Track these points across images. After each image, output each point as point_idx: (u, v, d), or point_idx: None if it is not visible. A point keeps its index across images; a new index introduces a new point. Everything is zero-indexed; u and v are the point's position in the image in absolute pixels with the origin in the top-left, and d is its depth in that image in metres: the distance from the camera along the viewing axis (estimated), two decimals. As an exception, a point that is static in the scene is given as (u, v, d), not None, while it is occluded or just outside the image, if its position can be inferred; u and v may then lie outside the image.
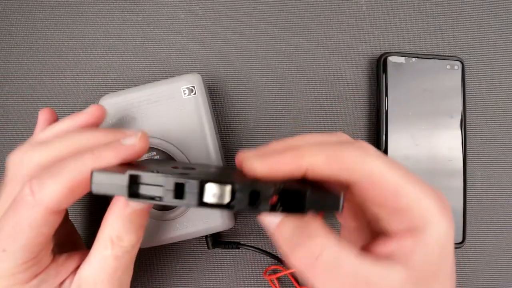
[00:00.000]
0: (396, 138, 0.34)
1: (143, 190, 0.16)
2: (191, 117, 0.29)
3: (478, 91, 0.37)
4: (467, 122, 0.36)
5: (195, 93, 0.30)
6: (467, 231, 0.35)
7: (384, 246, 0.19)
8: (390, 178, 0.18)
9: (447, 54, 0.36)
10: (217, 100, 0.35)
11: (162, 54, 0.36)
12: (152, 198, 0.16)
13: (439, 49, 0.37)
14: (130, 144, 0.21)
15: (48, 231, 0.20)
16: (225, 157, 0.33)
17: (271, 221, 0.19)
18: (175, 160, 0.26)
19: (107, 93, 0.32)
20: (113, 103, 0.30)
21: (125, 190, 0.16)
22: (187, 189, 0.15)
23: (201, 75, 0.31)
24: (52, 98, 0.36)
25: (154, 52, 0.36)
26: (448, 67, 0.35)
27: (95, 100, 0.35)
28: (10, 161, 0.24)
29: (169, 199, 0.16)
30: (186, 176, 0.16)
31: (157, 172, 0.16)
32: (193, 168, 0.21)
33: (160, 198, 0.16)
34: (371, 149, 0.19)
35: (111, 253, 0.21)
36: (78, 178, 0.19)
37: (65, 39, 0.36)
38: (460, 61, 0.35)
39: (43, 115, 0.29)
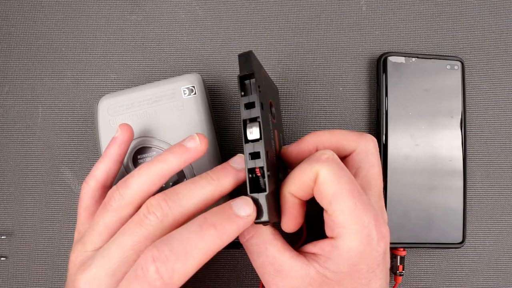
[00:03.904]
0: (396, 138, 0.34)
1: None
2: (191, 117, 0.29)
3: (478, 91, 0.37)
4: (467, 122, 0.36)
5: (195, 93, 0.30)
6: (467, 231, 0.35)
7: (311, 248, 0.23)
8: (330, 186, 0.21)
9: (447, 54, 0.36)
10: (217, 100, 0.35)
11: (162, 54, 0.36)
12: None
13: (439, 49, 0.37)
14: (246, 216, 0.21)
15: None
16: (224, 156, 0.33)
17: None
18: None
19: (107, 93, 0.32)
20: (113, 103, 0.30)
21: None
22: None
23: (201, 75, 0.31)
24: (52, 98, 0.36)
25: (154, 52, 0.36)
26: (448, 67, 0.35)
27: (95, 100, 0.36)
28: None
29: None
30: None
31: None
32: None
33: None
34: (330, 159, 0.22)
35: None
36: (208, 257, 0.20)
37: (65, 39, 0.36)
38: (460, 61, 0.35)
39: (124, 135, 0.27)
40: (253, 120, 0.22)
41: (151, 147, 0.29)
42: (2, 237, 0.35)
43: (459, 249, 0.35)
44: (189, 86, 0.30)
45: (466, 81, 0.36)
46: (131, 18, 0.37)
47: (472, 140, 0.36)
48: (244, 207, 0.21)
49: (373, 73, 0.36)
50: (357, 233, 0.21)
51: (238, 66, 0.36)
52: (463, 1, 0.38)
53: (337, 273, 0.22)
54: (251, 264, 0.35)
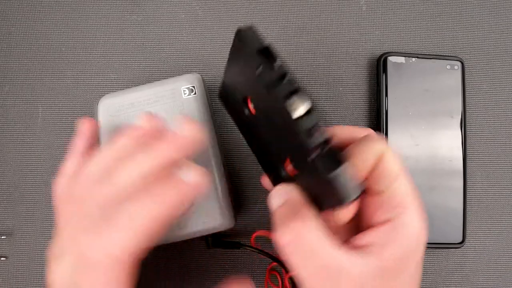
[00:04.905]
0: (396, 138, 0.34)
1: None
2: (191, 117, 0.29)
3: (478, 91, 0.37)
4: (467, 122, 0.36)
5: (195, 93, 0.30)
6: (467, 231, 0.35)
7: (362, 239, 0.21)
8: (396, 164, 0.20)
9: (447, 54, 0.36)
10: (217, 100, 0.35)
11: (162, 54, 0.36)
12: None
13: (439, 49, 0.37)
14: (193, 181, 0.20)
15: (134, 279, 0.20)
16: (224, 156, 0.33)
17: (275, 202, 0.21)
18: None
19: (107, 93, 0.32)
20: (113, 103, 0.30)
21: None
22: None
23: (201, 75, 0.31)
24: (52, 98, 0.36)
25: (154, 52, 0.36)
26: (448, 67, 0.35)
27: (95, 100, 0.35)
28: (61, 200, 0.23)
29: None
30: None
31: None
32: None
33: None
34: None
35: None
36: (148, 226, 0.19)
37: (65, 39, 0.36)
38: (460, 61, 0.35)
39: (87, 130, 0.26)
40: (294, 92, 0.17)
41: (151, 147, 0.29)
42: (2, 237, 0.35)
43: (459, 249, 0.35)
44: (189, 86, 0.30)
45: (466, 81, 0.36)
46: (131, 18, 0.37)
47: (472, 140, 0.36)
48: (187, 173, 0.20)
49: (373, 73, 0.36)
50: (416, 214, 0.20)
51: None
52: (463, 1, 0.38)
53: (395, 260, 0.20)
54: (251, 264, 0.35)
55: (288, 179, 0.22)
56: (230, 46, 0.20)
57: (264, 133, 0.22)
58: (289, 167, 0.22)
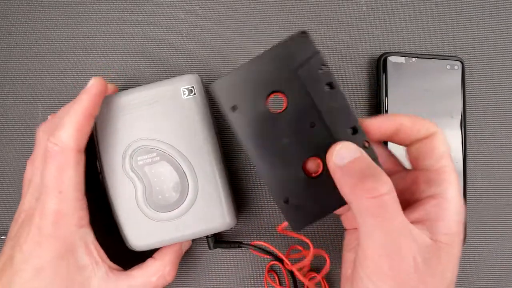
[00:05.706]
0: (396, 138, 0.34)
1: None
2: (190, 117, 0.29)
3: (478, 91, 0.37)
4: (467, 122, 0.36)
5: (194, 94, 0.30)
6: (467, 231, 0.35)
7: (412, 214, 0.22)
8: (445, 144, 0.23)
9: (447, 54, 0.36)
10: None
11: (162, 54, 0.36)
12: None
13: (439, 49, 0.37)
14: (91, 85, 0.27)
15: (82, 169, 0.26)
16: (225, 157, 0.33)
17: (346, 156, 0.22)
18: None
19: (107, 93, 0.32)
20: (113, 103, 0.30)
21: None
22: None
23: (201, 75, 0.31)
24: (52, 98, 0.36)
25: (154, 52, 0.36)
26: (448, 67, 0.35)
27: (95, 100, 0.35)
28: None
29: None
30: None
31: None
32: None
33: None
34: None
35: None
36: (78, 119, 0.26)
37: (65, 39, 0.36)
38: (460, 61, 0.35)
39: (95, 87, 0.30)
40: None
41: (151, 148, 0.29)
42: (2, 237, 0.35)
43: (459, 249, 0.35)
44: (189, 86, 0.30)
45: (466, 81, 0.36)
46: (131, 18, 0.37)
47: (472, 140, 0.36)
48: (89, 82, 0.27)
49: (373, 73, 0.36)
50: (458, 190, 0.22)
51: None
52: (463, 1, 0.38)
53: (448, 235, 0.21)
54: (251, 264, 0.35)
55: (300, 181, 0.23)
56: (278, 42, 0.22)
57: (288, 130, 0.23)
58: (310, 166, 0.23)
